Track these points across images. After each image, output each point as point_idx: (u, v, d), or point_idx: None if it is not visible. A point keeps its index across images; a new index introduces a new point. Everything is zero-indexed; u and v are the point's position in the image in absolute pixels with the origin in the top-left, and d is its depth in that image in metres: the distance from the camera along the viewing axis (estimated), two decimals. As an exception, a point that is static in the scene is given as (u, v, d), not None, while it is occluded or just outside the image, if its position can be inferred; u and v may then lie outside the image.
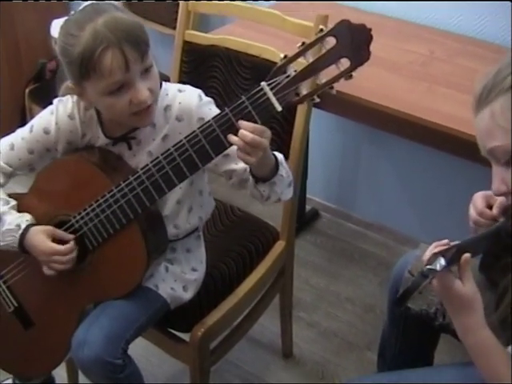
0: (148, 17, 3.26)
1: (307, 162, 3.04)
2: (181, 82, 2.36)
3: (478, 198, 1.64)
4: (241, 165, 1.79)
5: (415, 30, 2.68)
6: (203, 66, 2.33)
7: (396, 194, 3.12)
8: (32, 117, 1.90)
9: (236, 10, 2.25)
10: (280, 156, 1.78)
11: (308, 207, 3.33)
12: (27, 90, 3.58)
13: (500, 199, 1.57)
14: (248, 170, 1.77)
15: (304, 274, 2.99)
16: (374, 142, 3.08)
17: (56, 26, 1.69)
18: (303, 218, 3.24)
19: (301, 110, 2.13)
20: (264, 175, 1.74)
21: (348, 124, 3.00)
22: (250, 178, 1.76)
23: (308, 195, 3.28)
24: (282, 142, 2.18)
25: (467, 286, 1.42)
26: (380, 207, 3.21)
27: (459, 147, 2.08)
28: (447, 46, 2.55)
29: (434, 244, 1.47)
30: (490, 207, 1.61)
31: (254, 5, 2.21)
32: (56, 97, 1.86)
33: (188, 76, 2.37)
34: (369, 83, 2.28)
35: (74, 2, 3.72)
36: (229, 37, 2.28)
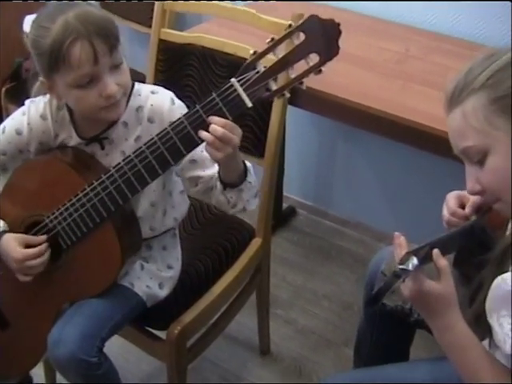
0: (125, 15, 3.27)
1: (284, 159, 3.04)
2: (156, 80, 2.36)
3: (451, 198, 1.64)
4: (208, 172, 1.80)
5: (390, 27, 2.69)
6: (179, 65, 2.33)
7: (372, 191, 3.13)
8: (8, 116, 1.89)
9: (212, 8, 2.25)
10: (249, 164, 1.79)
11: (285, 205, 3.33)
12: (3, 89, 3.55)
13: (472, 199, 1.57)
14: (215, 177, 1.78)
15: (281, 272, 3.00)
16: (350, 140, 3.09)
17: (28, 22, 1.69)
18: (280, 216, 3.25)
19: (276, 107, 2.12)
20: (232, 180, 1.76)
21: (324, 121, 3.00)
22: (218, 183, 1.78)
23: (285, 193, 3.28)
24: (257, 140, 2.19)
25: (443, 284, 1.40)
26: (356, 204, 3.22)
27: (433, 144, 2.09)
28: (422, 44, 2.56)
29: (396, 242, 1.45)
30: (463, 207, 1.60)
31: (233, 4, 2.20)
32: (29, 97, 1.85)
33: (164, 75, 2.37)
34: (344, 81, 2.29)
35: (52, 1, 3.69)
36: (204, 35, 2.28)
